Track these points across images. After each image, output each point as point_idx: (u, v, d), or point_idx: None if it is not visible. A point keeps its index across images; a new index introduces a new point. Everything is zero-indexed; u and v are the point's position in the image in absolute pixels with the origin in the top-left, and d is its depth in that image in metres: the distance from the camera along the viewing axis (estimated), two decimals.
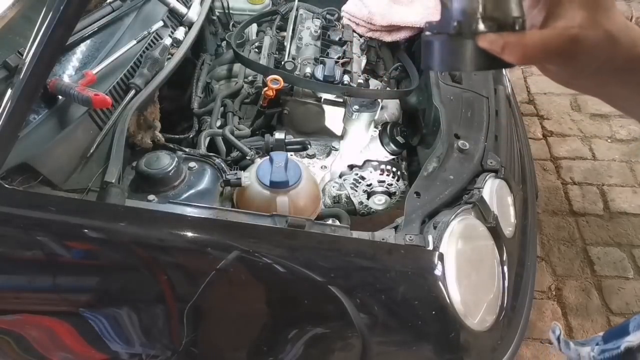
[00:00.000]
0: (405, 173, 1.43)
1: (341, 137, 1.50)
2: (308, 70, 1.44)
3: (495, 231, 1.11)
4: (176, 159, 1.15)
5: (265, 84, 1.41)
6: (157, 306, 0.96)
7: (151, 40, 1.38)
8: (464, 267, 1.01)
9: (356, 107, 1.39)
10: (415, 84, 1.51)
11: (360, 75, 1.51)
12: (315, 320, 0.98)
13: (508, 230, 1.18)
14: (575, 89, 0.48)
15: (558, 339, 1.35)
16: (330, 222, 1.18)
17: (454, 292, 0.97)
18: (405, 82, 1.64)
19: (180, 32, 1.48)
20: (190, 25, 1.55)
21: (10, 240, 0.92)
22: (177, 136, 1.46)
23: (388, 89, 1.57)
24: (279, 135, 1.35)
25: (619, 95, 0.48)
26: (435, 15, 0.47)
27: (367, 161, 1.42)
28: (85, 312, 0.95)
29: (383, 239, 1.02)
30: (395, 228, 1.06)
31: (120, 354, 0.99)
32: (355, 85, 1.43)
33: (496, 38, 0.43)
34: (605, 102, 0.50)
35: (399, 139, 1.41)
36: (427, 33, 0.48)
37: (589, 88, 0.48)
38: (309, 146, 1.42)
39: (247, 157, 1.33)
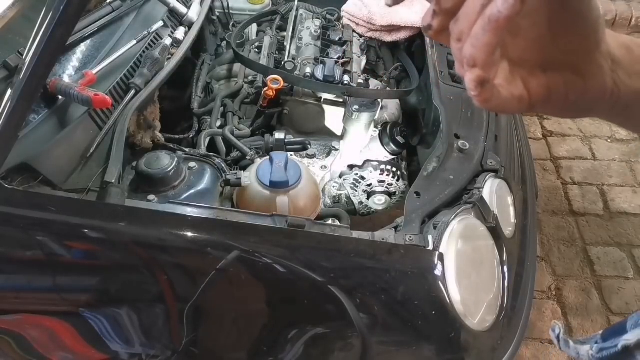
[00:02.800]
0: (405, 173, 1.43)
1: (341, 137, 1.50)
2: (308, 70, 1.44)
3: (495, 231, 1.11)
4: (176, 159, 1.15)
5: (265, 84, 1.41)
6: (157, 306, 0.96)
7: (151, 40, 1.38)
8: (464, 267, 1.01)
9: (356, 107, 1.39)
10: (415, 84, 1.51)
11: (360, 75, 1.51)
12: (315, 320, 0.98)
13: (508, 230, 1.18)
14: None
15: (558, 337, 1.36)
16: (330, 222, 1.18)
17: (454, 292, 0.97)
18: (405, 82, 1.64)
19: (180, 32, 1.48)
20: (190, 25, 1.54)
21: (10, 240, 0.92)
22: (177, 136, 1.46)
23: (388, 89, 1.57)
24: (279, 135, 1.35)
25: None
26: None
27: (367, 161, 1.42)
28: (85, 312, 0.95)
29: (383, 239, 1.02)
30: (395, 228, 1.06)
31: (120, 354, 0.99)
32: (355, 85, 1.43)
33: None
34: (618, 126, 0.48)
35: (399, 139, 1.41)
36: None
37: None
38: (309, 146, 1.42)
39: (247, 157, 1.33)
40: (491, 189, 1.18)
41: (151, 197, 1.12)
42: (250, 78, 1.62)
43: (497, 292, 1.07)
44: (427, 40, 1.56)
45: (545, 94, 0.38)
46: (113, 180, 1.03)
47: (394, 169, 1.40)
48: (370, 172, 1.39)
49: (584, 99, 0.39)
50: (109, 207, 0.97)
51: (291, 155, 1.35)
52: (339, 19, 1.76)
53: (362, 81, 1.46)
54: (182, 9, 1.54)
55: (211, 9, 1.79)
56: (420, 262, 1.00)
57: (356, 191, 1.41)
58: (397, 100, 1.58)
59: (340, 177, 1.44)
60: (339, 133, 1.50)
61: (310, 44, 1.60)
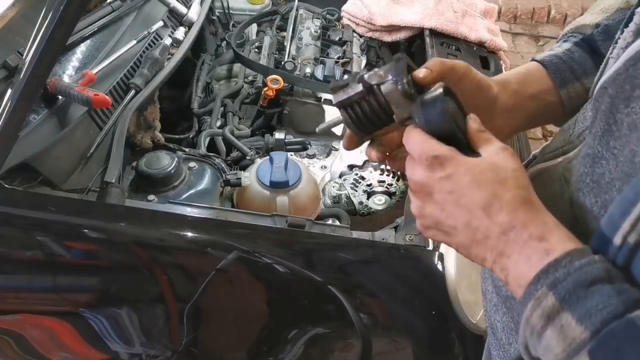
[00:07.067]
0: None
1: (341, 137, 1.50)
2: (308, 70, 1.44)
3: None
4: (176, 159, 1.15)
5: (265, 84, 1.41)
6: (157, 306, 0.96)
7: (151, 40, 1.38)
8: (464, 267, 1.01)
9: None
10: None
11: None
12: (315, 320, 0.98)
13: None
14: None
15: None
16: (330, 222, 1.18)
17: (454, 292, 0.97)
18: None
19: (180, 32, 1.48)
20: (190, 25, 1.54)
21: (10, 240, 0.92)
22: (177, 136, 1.46)
23: None
24: (279, 135, 1.35)
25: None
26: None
27: (367, 161, 1.42)
28: (85, 312, 0.95)
29: (383, 239, 1.02)
30: (395, 228, 1.06)
31: (120, 354, 0.99)
32: None
33: None
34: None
35: None
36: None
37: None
38: (309, 146, 1.42)
39: (247, 157, 1.33)
40: None
41: (151, 197, 1.12)
42: (250, 78, 1.62)
43: None
44: (427, 40, 1.56)
45: None
46: (113, 180, 1.03)
47: (394, 169, 1.40)
48: (370, 172, 1.39)
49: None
50: (109, 207, 0.97)
51: (291, 155, 1.35)
52: (339, 19, 1.76)
53: None
54: (182, 9, 1.54)
55: (211, 9, 1.79)
56: (420, 262, 1.00)
57: (356, 191, 1.41)
58: None
59: (340, 177, 1.44)
60: (339, 133, 1.50)
61: (310, 44, 1.60)
